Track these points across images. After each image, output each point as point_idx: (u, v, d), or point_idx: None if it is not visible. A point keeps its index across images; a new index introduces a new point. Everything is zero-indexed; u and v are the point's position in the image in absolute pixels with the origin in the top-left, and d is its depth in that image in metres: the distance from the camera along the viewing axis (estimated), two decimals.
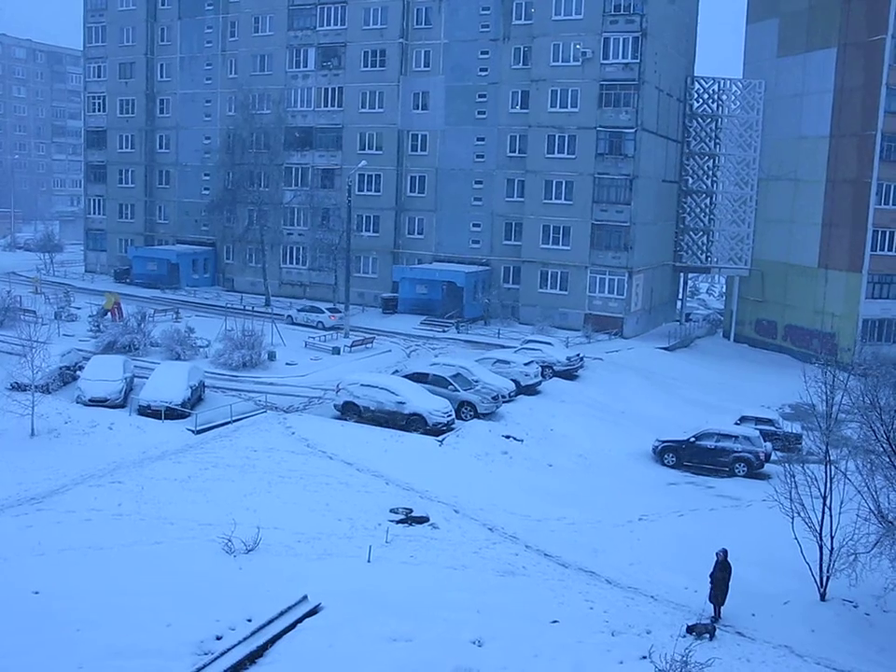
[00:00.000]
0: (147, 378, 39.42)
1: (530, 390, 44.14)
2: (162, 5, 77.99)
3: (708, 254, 70.80)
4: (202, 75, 76.27)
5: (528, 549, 25.93)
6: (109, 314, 55.16)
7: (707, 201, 71.10)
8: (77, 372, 40.53)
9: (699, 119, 70.43)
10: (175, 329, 49.74)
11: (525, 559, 25.05)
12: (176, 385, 37.89)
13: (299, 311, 61.97)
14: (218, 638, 18.19)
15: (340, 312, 59.47)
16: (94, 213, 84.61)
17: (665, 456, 37.23)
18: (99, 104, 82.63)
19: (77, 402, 37.31)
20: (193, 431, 35.03)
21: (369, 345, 53.28)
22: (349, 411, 38.04)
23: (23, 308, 55.03)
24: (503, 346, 52.32)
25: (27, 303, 56.62)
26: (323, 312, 60.59)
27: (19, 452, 31.03)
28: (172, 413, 36.27)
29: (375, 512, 27.26)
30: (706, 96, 70.50)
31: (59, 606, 19.09)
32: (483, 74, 64.42)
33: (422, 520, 27.26)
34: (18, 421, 32.75)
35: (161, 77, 78.94)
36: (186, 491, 28.05)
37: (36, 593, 19.78)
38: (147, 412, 36.53)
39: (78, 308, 59.39)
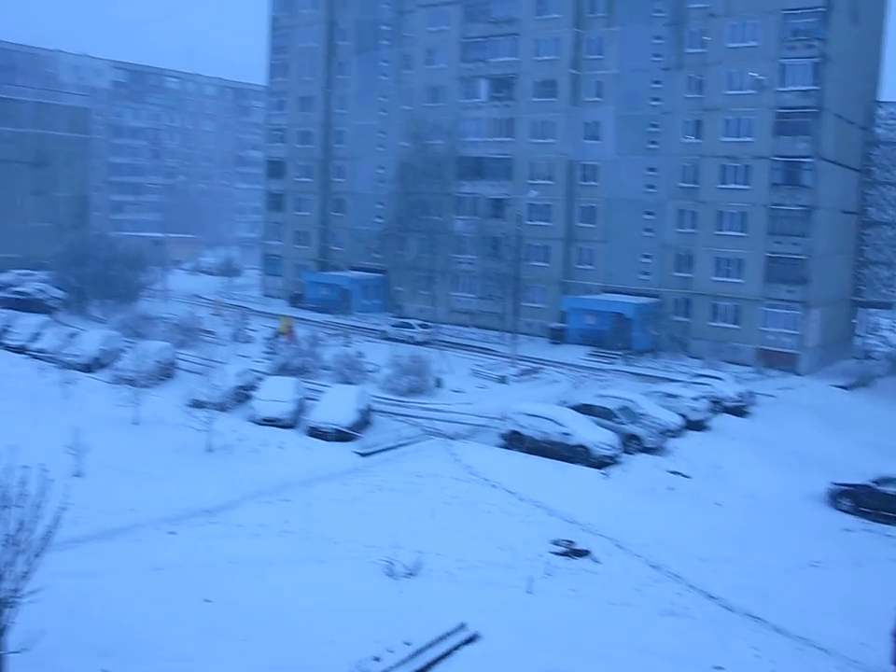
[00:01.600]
0: (317, 400, 40.64)
1: (699, 426, 43.05)
2: (341, 41, 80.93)
3: (891, 288, 67.47)
4: (376, 106, 78.47)
5: (692, 589, 25.15)
6: (283, 336, 57.09)
7: (891, 233, 67.81)
8: (252, 392, 42.06)
9: (883, 147, 67.40)
10: (345, 353, 51.05)
11: (688, 599, 24.30)
12: (345, 408, 38.83)
13: (392, 326, 65.19)
14: (377, 659, 18.33)
15: (430, 328, 61.83)
16: (272, 239, 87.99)
17: (841, 501, 35.38)
18: (279, 135, 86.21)
19: (251, 421, 38.76)
20: (360, 454, 35.72)
21: (535, 375, 53.17)
22: (514, 440, 38.01)
23: (204, 329, 57.69)
24: (671, 380, 51.23)
25: (208, 325, 59.27)
26: (414, 327, 63.95)
27: (196, 466, 32.45)
28: (340, 436, 37.13)
29: (537, 543, 27.05)
30: (891, 122, 67.42)
31: (227, 615, 19.72)
32: (655, 103, 63.71)
33: (584, 553, 26.87)
34: (196, 436, 34.23)
35: (338, 109, 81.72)
36: (351, 512, 28.57)
37: (207, 601, 20.50)
38: (316, 433, 37.56)
39: (254, 330, 61.68)
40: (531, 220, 66.99)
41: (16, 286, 69.03)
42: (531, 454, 36.81)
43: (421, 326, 64.56)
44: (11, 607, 15.11)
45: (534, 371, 53.78)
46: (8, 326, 54.49)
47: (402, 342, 60.84)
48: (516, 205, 66.20)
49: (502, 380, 51.29)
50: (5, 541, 14.68)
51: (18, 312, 59.59)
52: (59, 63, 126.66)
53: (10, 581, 14.93)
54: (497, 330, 64.79)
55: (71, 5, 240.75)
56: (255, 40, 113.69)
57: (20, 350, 50.88)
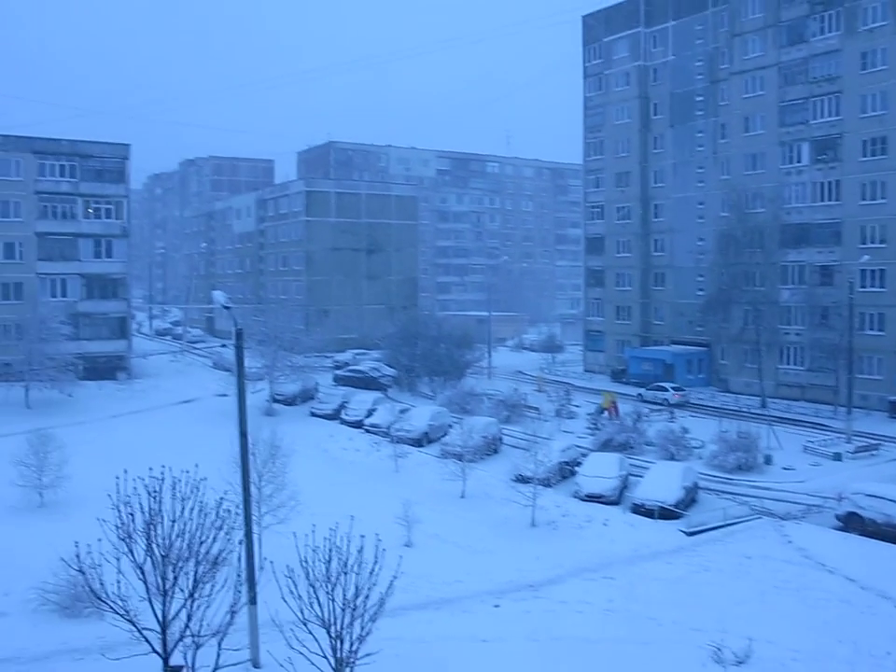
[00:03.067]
0: (641, 476, 40.02)
1: None
2: (654, 115, 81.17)
3: None
4: (693, 178, 77.55)
5: None
6: (606, 412, 56.95)
7: None
8: (576, 468, 42.15)
9: None
10: (669, 428, 50.05)
11: None
12: (670, 484, 37.91)
13: (647, 389, 67.33)
14: None
15: (684, 391, 63.14)
16: (593, 315, 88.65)
17: None
18: (597, 212, 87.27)
19: (575, 497, 38.79)
20: (686, 533, 34.63)
21: (873, 452, 49.36)
22: (852, 522, 35.29)
23: (528, 405, 58.81)
24: None
25: (532, 401, 60.38)
26: (668, 390, 65.25)
27: (519, 540, 32.88)
28: (665, 513, 36.24)
29: (883, 639, 24.67)
30: None
31: None
32: None
33: None
34: (520, 511, 34.75)
35: (655, 183, 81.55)
36: (675, 593, 27.67)
37: None
38: (640, 510, 36.90)
39: (577, 406, 61.99)
40: (863, 287, 62.84)
41: (353, 364, 74.22)
42: (873, 538, 33.97)
43: (675, 388, 66.34)
44: (350, 667, 15.93)
45: (872, 447, 49.87)
46: (346, 402, 58.63)
47: (658, 404, 62.86)
48: (846, 272, 62.46)
49: (837, 457, 48.00)
50: (343, 605, 15.57)
51: (354, 389, 64.05)
52: (389, 156, 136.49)
53: (349, 642, 15.77)
54: (828, 404, 60.99)
55: (396, 107, 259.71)
56: (570, 121, 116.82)
57: (356, 425, 54.50)
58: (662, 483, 37.97)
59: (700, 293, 75.31)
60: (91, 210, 71.00)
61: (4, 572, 26.57)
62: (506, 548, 31.72)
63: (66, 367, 59.71)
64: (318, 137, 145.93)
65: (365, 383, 67.56)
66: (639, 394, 66.64)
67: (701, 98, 76.69)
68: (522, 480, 36.78)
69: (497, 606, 25.97)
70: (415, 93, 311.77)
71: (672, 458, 45.24)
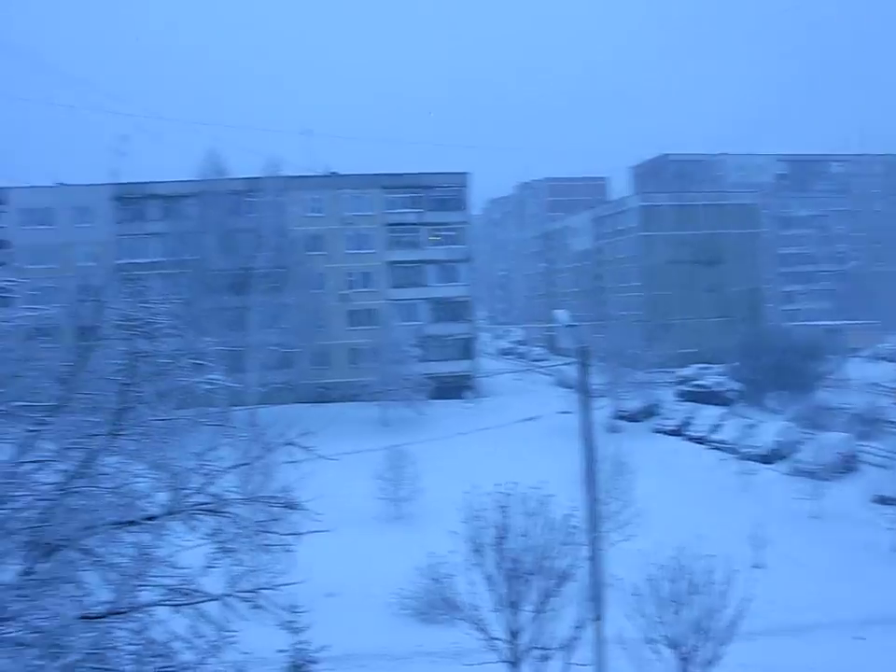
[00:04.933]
0: None
1: None
2: None
3: None
4: None
5: None
6: None
7: None
8: None
9: None
10: None
11: None
12: None
13: None
14: None
15: None
16: None
17: None
18: None
19: None
20: None
21: None
22: None
23: (888, 419, 54.70)
24: None
25: (891, 415, 56.12)
26: None
27: (883, 566, 30.55)
28: None
29: None
30: None
31: None
32: None
33: None
34: (883, 534, 32.29)
35: None
36: None
37: None
38: None
39: None
40: None
41: (695, 379, 72.55)
42: None
43: None
44: None
45: None
46: (690, 418, 57.53)
47: None
48: None
49: None
50: (692, 626, 15.22)
51: (698, 404, 62.63)
52: (725, 164, 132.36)
53: (697, 665, 15.39)
54: None
55: (720, 112, 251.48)
56: None
57: (700, 441, 53.32)
58: None
59: None
60: (435, 238, 74.95)
61: (367, 577, 28.56)
62: (868, 574, 29.58)
63: (418, 387, 63.14)
64: (649, 151, 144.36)
65: (709, 398, 65.87)
66: None
67: None
68: (883, 501, 34.21)
69: (859, 638, 24.25)
70: (735, 96, 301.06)
71: None
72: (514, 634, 17.08)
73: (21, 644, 7.58)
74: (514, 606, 16.97)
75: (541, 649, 16.67)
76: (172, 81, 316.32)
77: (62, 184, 71.70)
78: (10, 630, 7.82)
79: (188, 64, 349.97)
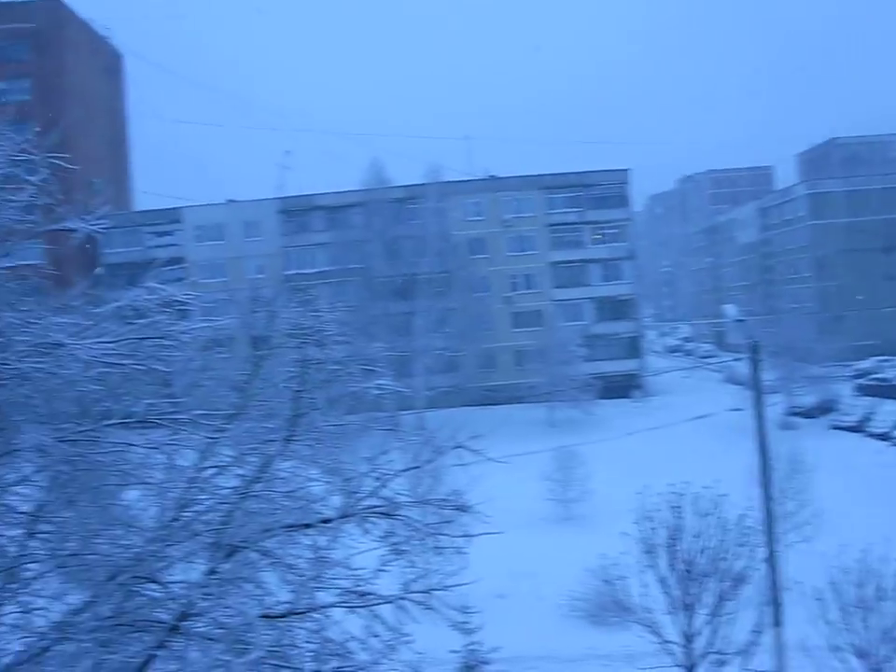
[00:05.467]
0: None
1: None
2: None
3: None
4: None
5: None
6: None
7: None
8: None
9: None
10: None
11: None
12: None
13: None
14: None
15: None
16: None
17: None
18: None
19: None
20: None
21: None
22: None
23: None
24: None
25: None
26: None
27: None
28: None
29: None
30: None
31: None
32: None
33: None
34: None
35: None
36: None
37: None
38: None
39: None
40: None
41: (875, 372, 69.17)
42: None
43: None
44: None
45: None
46: (871, 413, 54.90)
47: None
48: None
49: None
50: (883, 635, 14.52)
51: (879, 399, 59.64)
52: None
53: None
54: None
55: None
56: None
57: (882, 437, 50.83)
58: None
59: None
60: (597, 236, 74.30)
61: (537, 579, 28.51)
62: None
63: (584, 387, 62.73)
64: (816, 136, 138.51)
65: (891, 392, 62.68)
66: None
67: None
68: None
69: None
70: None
71: None
72: (689, 638, 16.72)
73: (209, 639, 7.94)
74: (689, 609, 16.62)
75: (718, 654, 16.26)
76: (331, 94, 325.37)
77: (231, 200, 74.79)
78: (199, 625, 8.22)
79: (344, 76, 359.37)
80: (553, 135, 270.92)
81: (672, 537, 16.62)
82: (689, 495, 16.78)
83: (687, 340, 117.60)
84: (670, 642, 16.65)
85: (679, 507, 16.70)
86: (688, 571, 16.55)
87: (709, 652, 16.37)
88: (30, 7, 70.00)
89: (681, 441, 53.37)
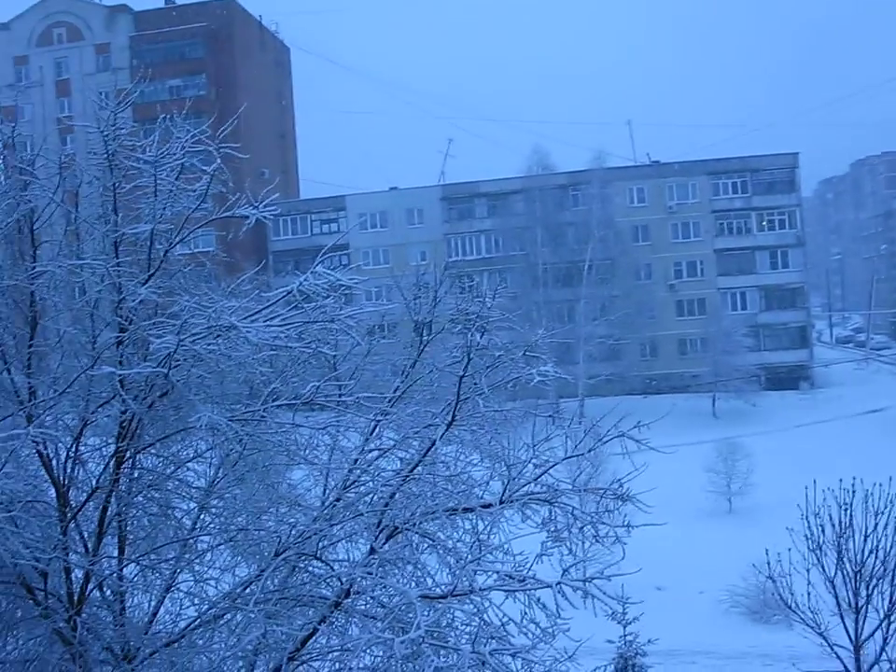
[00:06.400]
0: None
1: None
2: None
3: None
4: None
5: None
6: None
7: None
8: None
9: None
10: None
11: None
12: None
13: None
14: None
15: None
16: None
17: None
18: None
19: None
20: None
21: None
22: None
23: None
24: None
25: None
26: None
27: None
28: None
29: None
30: None
31: None
32: None
33: None
34: None
35: None
36: None
37: None
38: None
39: None
40: None
41: None
42: None
43: None
44: None
45: None
46: None
47: None
48: None
49: None
50: None
51: None
52: None
53: None
54: None
55: None
56: None
57: None
58: None
59: None
60: (764, 223, 71.93)
61: (698, 572, 28.00)
62: None
63: (750, 377, 61.06)
64: None
65: None
66: None
67: None
68: None
69: None
70: None
71: None
72: (858, 642, 16.05)
73: (370, 617, 8.15)
74: (858, 611, 15.95)
75: (889, 661, 15.55)
76: (492, 82, 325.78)
77: (394, 188, 76.01)
78: (360, 603, 8.45)
79: (505, 64, 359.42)
80: (719, 120, 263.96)
81: (840, 535, 15.98)
82: (859, 491, 16.08)
83: (859, 330, 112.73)
84: (838, 645, 16.02)
85: (848, 504, 16.02)
86: (857, 572, 15.88)
87: (882, 661, 15.67)
88: (206, 7, 73.30)
89: (852, 436, 51.38)
